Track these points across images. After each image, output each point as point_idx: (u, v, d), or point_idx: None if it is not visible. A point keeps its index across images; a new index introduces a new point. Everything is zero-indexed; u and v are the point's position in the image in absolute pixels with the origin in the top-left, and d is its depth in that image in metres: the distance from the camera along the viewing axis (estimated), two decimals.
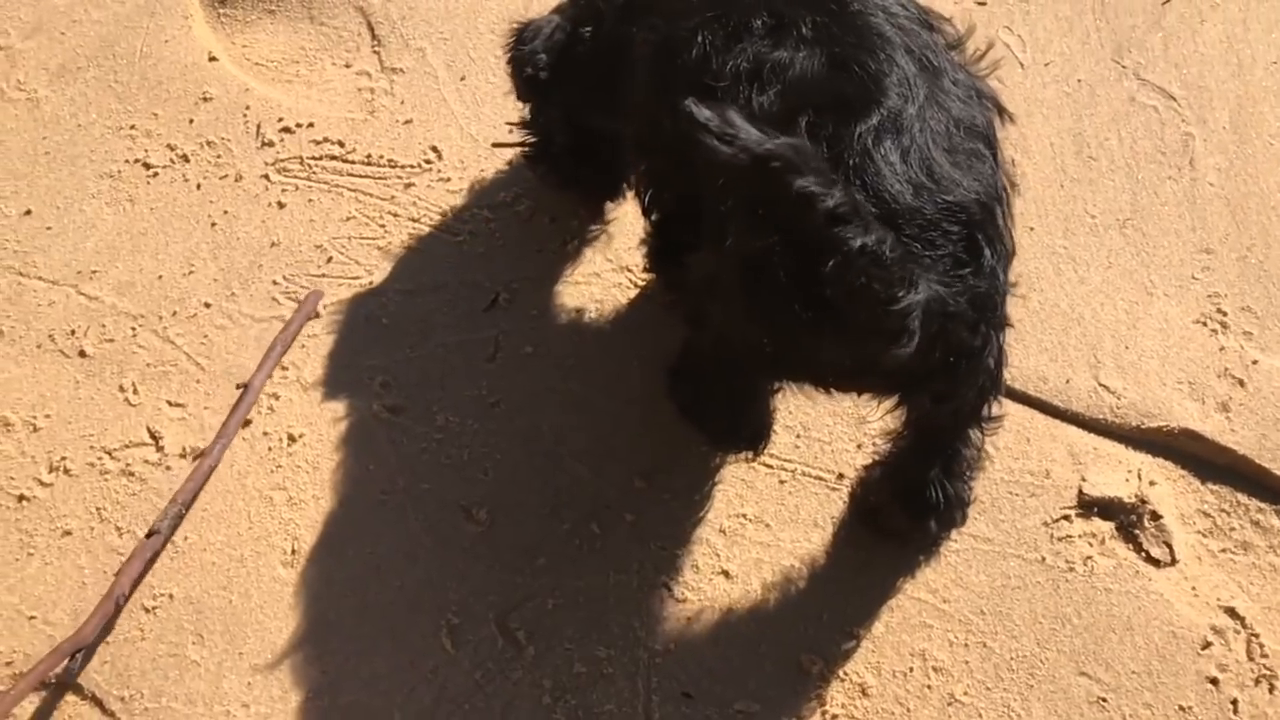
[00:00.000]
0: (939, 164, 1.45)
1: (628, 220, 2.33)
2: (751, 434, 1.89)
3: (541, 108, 2.18)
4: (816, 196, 1.30)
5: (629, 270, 2.29)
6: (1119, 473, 2.07)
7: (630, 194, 2.29)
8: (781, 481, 2.07)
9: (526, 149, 2.29)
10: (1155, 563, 1.99)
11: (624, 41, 1.83)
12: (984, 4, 2.65)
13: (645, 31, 1.73)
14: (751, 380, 1.82)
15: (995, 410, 1.78)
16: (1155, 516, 2.01)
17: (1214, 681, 1.89)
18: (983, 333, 1.56)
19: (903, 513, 1.88)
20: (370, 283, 2.27)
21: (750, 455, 1.97)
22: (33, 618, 1.96)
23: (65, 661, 1.84)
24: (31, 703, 1.90)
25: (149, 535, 1.94)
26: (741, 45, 1.56)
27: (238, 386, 2.13)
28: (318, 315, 2.22)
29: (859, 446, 2.09)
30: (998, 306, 1.58)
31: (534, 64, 2.07)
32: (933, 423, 1.75)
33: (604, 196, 2.27)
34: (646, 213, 1.96)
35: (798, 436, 2.10)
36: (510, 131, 2.38)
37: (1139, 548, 2.00)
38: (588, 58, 1.98)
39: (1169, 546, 1.99)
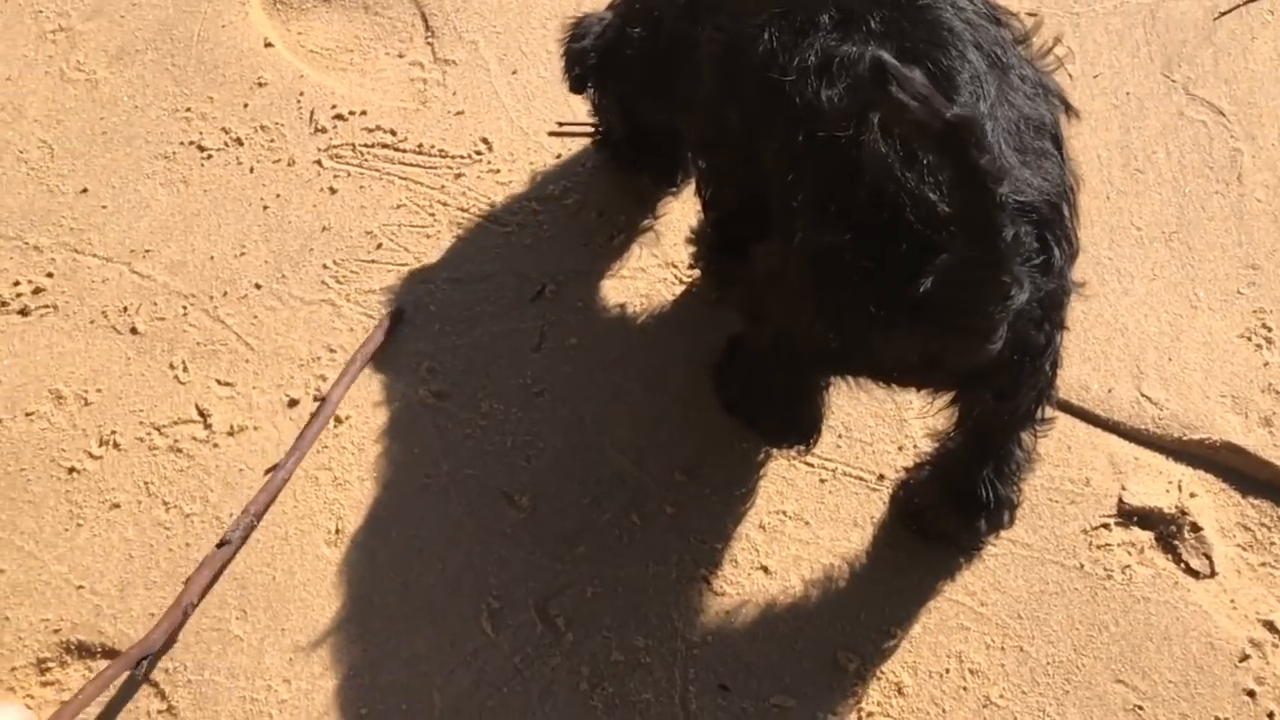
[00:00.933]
0: (1010, 163, 1.46)
1: (674, 217, 2.35)
2: (803, 429, 1.90)
3: (599, 100, 2.22)
4: (990, 177, 1.28)
5: (674, 266, 2.30)
6: (1159, 483, 2.07)
7: (682, 189, 2.32)
8: (822, 480, 2.08)
9: (592, 134, 2.35)
10: (1194, 574, 1.99)
11: (683, 41, 1.83)
12: (1035, 15, 2.65)
13: (711, 31, 1.73)
14: (807, 376, 1.83)
15: (1047, 413, 1.78)
16: (1195, 528, 2.02)
17: (1251, 694, 1.89)
18: (1047, 332, 1.57)
19: (952, 513, 1.89)
20: (418, 270, 2.30)
21: (801, 451, 1.98)
22: (80, 587, 1.99)
23: (131, 669, 1.86)
24: (79, 671, 1.93)
25: (220, 545, 1.96)
26: (809, 40, 1.55)
27: (315, 399, 2.15)
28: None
29: (900, 449, 2.10)
30: (1062, 306, 1.58)
31: (583, 62, 2.10)
32: (986, 423, 1.76)
33: (662, 184, 2.30)
34: (706, 210, 1.97)
35: (839, 436, 2.11)
36: (560, 125, 2.41)
37: (1178, 558, 2.00)
38: (640, 57, 1.99)
39: (1208, 558, 2.00)
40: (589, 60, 2.09)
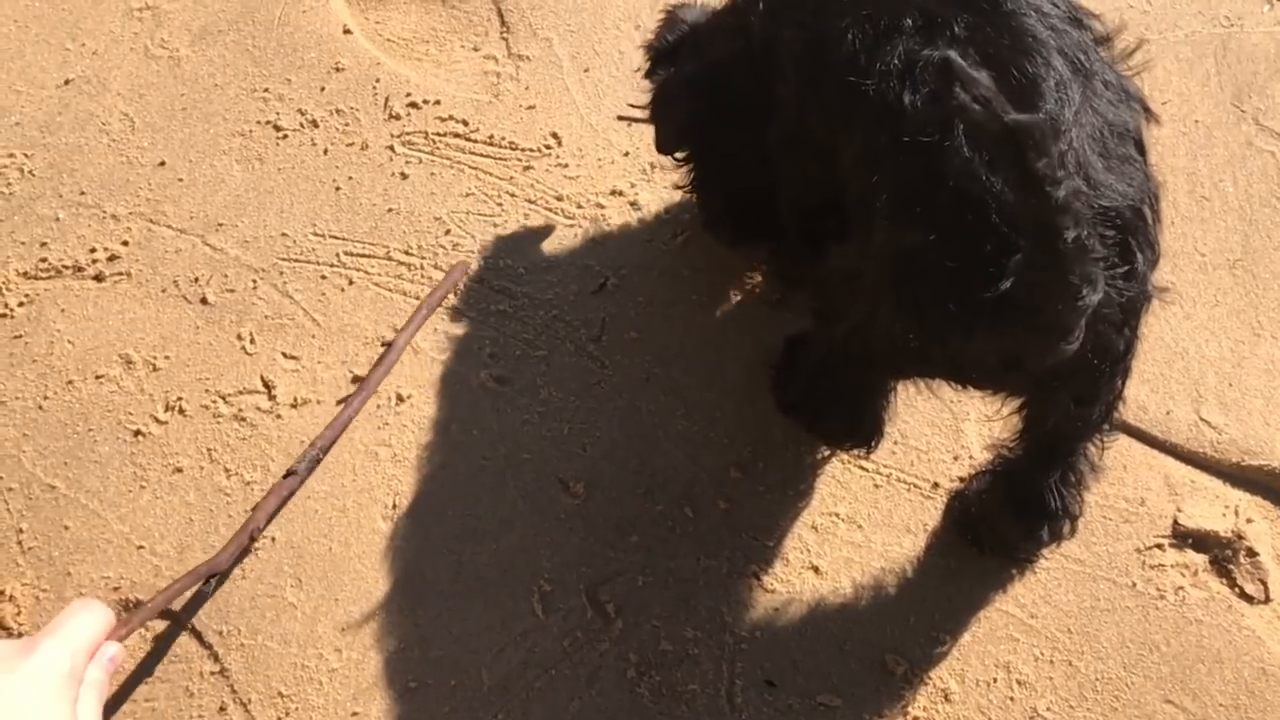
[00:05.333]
0: (1095, 168, 1.46)
1: None
2: (866, 431, 1.90)
3: (692, 162, 2.19)
4: (1047, 180, 1.29)
5: (735, 267, 2.32)
6: (1215, 507, 2.06)
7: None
8: (876, 485, 2.08)
9: (701, 216, 2.31)
10: (1249, 599, 1.98)
11: (772, 43, 1.83)
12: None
13: (793, 29, 1.75)
14: (878, 376, 1.84)
15: (1114, 421, 1.78)
16: (1251, 553, 2.01)
17: None
18: (1126, 338, 1.58)
19: (1014, 521, 1.88)
20: (485, 257, 2.33)
21: (863, 452, 1.98)
22: (140, 548, 2.03)
23: (199, 584, 1.91)
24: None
25: (287, 475, 2.01)
26: (892, 43, 1.55)
27: (383, 344, 2.20)
28: (458, 287, 2.30)
29: (955, 458, 2.11)
30: (1141, 313, 1.59)
31: (677, 104, 2.07)
32: (1055, 430, 1.76)
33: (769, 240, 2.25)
34: (783, 213, 1.99)
35: (894, 443, 2.12)
36: (630, 107, 2.44)
37: (1232, 583, 1.99)
38: (737, 109, 1.98)
39: (1264, 584, 1.98)
40: (680, 105, 2.06)
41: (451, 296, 2.28)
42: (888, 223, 1.53)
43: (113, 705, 1.88)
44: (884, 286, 1.56)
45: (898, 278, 1.53)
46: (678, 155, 2.20)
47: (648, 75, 2.16)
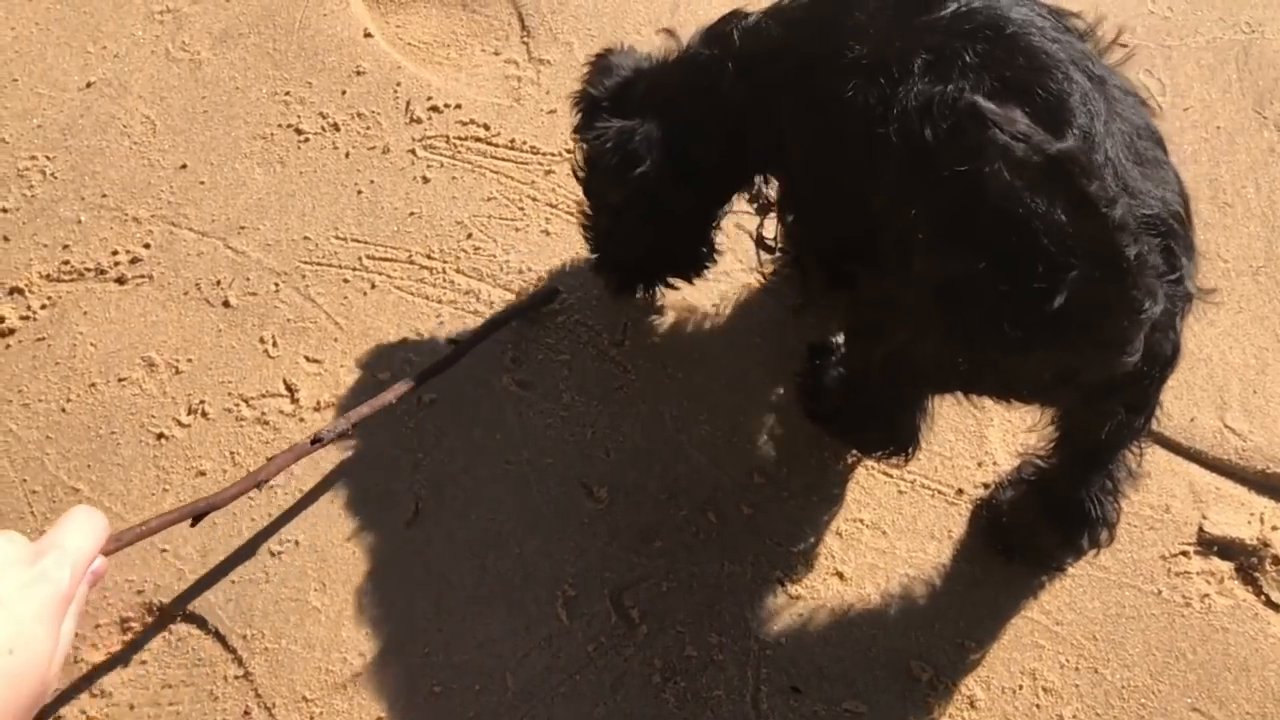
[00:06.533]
0: (1133, 177, 1.46)
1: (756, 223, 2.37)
2: (903, 440, 1.89)
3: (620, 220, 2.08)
4: (1102, 201, 1.30)
5: (758, 271, 2.32)
6: (1241, 514, 2.06)
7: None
8: (900, 492, 2.08)
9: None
10: (1275, 607, 1.97)
11: (750, 116, 1.84)
12: (1125, 46, 2.66)
13: (783, 95, 1.74)
14: (920, 393, 1.83)
15: (1152, 426, 1.77)
16: (1277, 560, 2.00)
17: None
18: (1173, 341, 1.58)
19: (1052, 530, 1.87)
20: (506, 261, 2.33)
21: (901, 461, 1.98)
22: (164, 550, 2.03)
23: (191, 518, 1.89)
24: (158, 632, 1.96)
25: (313, 441, 1.97)
26: (906, 86, 1.55)
27: (449, 341, 2.21)
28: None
29: (979, 464, 2.10)
30: (1185, 316, 1.59)
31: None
32: (1095, 438, 1.75)
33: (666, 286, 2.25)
34: (803, 256, 1.99)
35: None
36: None
37: (1258, 591, 1.98)
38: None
39: None
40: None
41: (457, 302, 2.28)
42: (930, 254, 1.53)
43: (137, 708, 1.88)
44: (929, 313, 1.55)
45: (944, 304, 1.52)
46: (599, 209, 2.09)
47: (582, 130, 2.02)
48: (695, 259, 2.17)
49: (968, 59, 1.53)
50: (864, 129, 1.60)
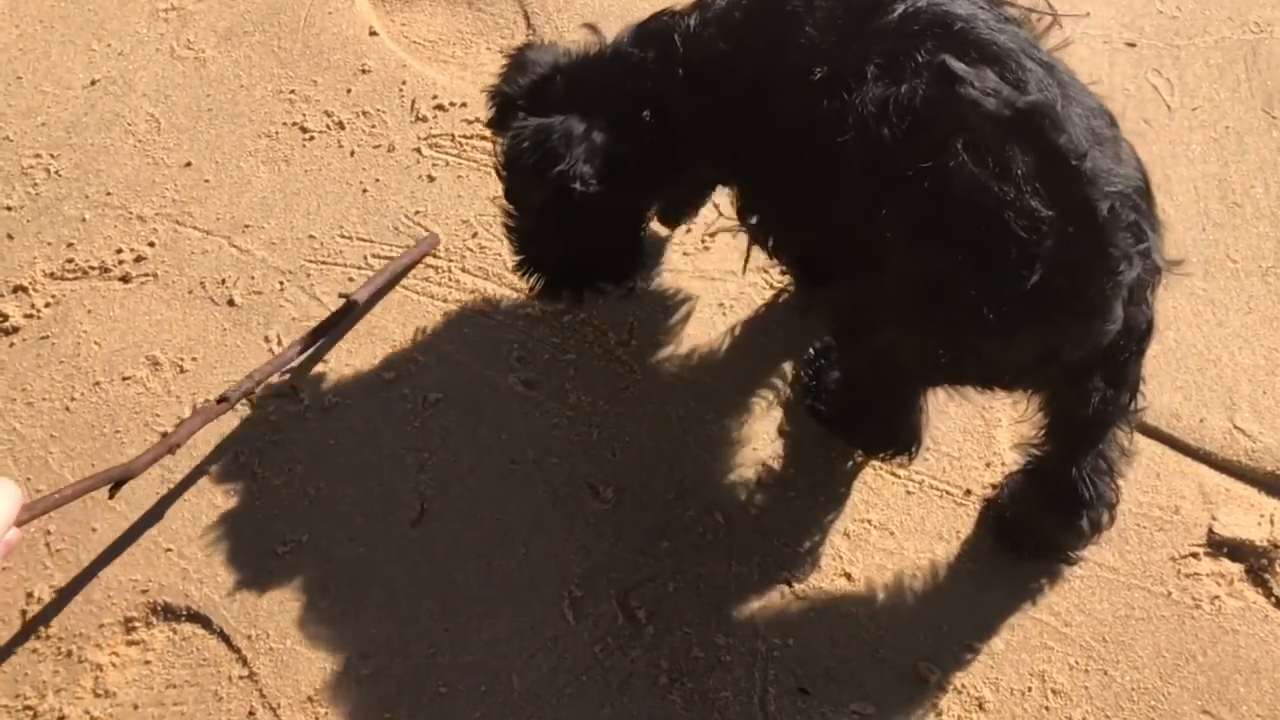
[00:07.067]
0: (1097, 158, 1.47)
1: None
2: (904, 440, 1.90)
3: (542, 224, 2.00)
4: (1073, 154, 1.32)
5: (765, 271, 2.31)
6: (1251, 516, 2.04)
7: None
8: (909, 492, 2.07)
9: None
10: None
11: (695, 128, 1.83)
12: (1134, 45, 2.66)
13: (754, 115, 1.74)
14: (908, 389, 1.83)
15: (1139, 404, 1.76)
16: None
17: None
18: (1146, 314, 1.59)
19: (1052, 516, 1.87)
20: (512, 261, 2.31)
21: (905, 461, 1.97)
22: (169, 550, 2.02)
23: (107, 486, 1.90)
24: (162, 631, 1.95)
25: (219, 400, 2.00)
26: (861, 92, 1.57)
27: (341, 295, 2.20)
28: (432, 256, 2.31)
29: (988, 465, 2.09)
30: (1155, 287, 1.59)
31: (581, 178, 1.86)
32: (1083, 420, 1.74)
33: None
34: (777, 261, 1.98)
35: (926, 450, 2.10)
36: None
37: (1269, 592, 1.97)
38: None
39: None
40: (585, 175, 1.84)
41: (460, 299, 2.27)
42: (905, 252, 1.55)
43: (141, 708, 1.87)
44: (909, 310, 1.57)
45: (922, 300, 1.54)
46: (520, 209, 2.02)
47: (496, 124, 1.98)
48: (624, 263, 2.10)
49: (920, 59, 1.55)
50: (824, 140, 1.61)
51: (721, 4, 1.78)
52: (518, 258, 2.08)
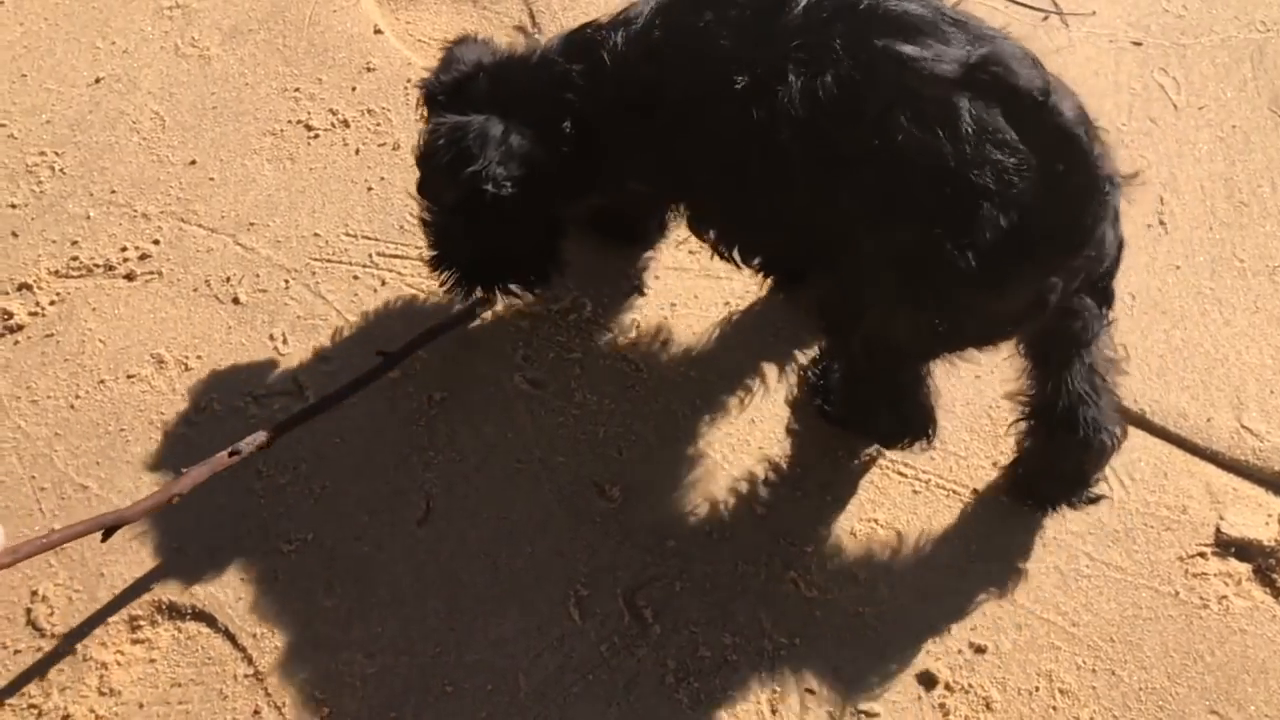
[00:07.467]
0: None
1: None
2: (919, 424, 1.90)
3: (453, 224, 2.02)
4: (1038, 90, 1.35)
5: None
6: (1259, 515, 2.04)
7: None
8: (915, 491, 2.07)
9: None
10: None
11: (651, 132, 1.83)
12: (1140, 44, 2.65)
13: (689, 136, 1.76)
14: (908, 368, 1.84)
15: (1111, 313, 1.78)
16: None
17: None
18: (1119, 233, 1.64)
19: (1066, 439, 1.87)
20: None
21: (925, 444, 1.97)
22: (177, 548, 2.01)
23: (100, 531, 1.84)
24: (167, 630, 1.94)
25: (230, 453, 1.92)
26: (785, 93, 1.59)
27: (378, 354, 2.10)
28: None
29: (994, 464, 2.09)
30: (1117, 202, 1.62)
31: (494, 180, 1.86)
32: (1067, 346, 1.78)
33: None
34: (746, 266, 1.99)
35: (933, 448, 2.10)
36: None
37: (1276, 592, 1.97)
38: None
39: None
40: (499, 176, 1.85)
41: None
42: (871, 235, 1.58)
43: (146, 706, 1.87)
44: (891, 291, 1.59)
45: (905, 277, 1.56)
46: (434, 210, 2.01)
47: (429, 116, 1.97)
48: (537, 269, 2.08)
49: (837, 47, 1.56)
50: (763, 146, 1.63)
51: (642, 21, 1.78)
52: (431, 252, 2.08)
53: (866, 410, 1.95)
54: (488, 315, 2.23)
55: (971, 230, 1.47)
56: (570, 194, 1.98)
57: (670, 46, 1.75)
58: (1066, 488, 1.98)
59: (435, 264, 2.08)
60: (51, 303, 2.27)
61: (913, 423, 1.90)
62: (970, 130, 1.47)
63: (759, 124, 1.62)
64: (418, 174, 1.97)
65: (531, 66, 1.90)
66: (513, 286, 2.11)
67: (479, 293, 2.11)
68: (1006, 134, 1.47)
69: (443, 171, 1.85)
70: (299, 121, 2.51)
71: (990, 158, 1.47)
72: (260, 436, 1.96)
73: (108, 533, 1.85)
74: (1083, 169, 1.42)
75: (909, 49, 1.43)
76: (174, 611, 1.96)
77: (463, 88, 1.92)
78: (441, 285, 2.10)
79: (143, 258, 2.33)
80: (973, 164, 1.47)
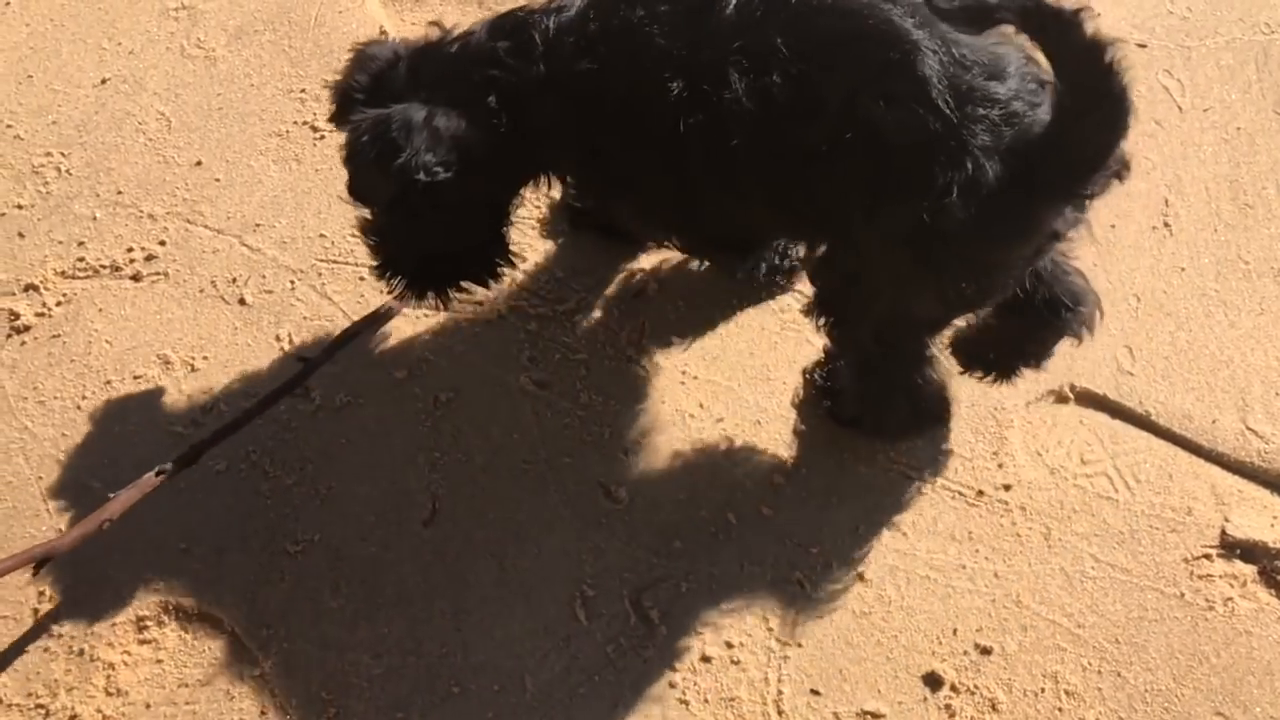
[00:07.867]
0: (985, 55, 1.53)
1: None
2: (936, 408, 1.91)
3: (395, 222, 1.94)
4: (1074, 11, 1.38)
5: (775, 273, 2.31)
6: (1264, 517, 2.04)
7: None
8: (921, 493, 2.07)
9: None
10: None
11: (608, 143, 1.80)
12: (1145, 46, 2.65)
13: (629, 135, 1.74)
14: (920, 352, 1.85)
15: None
16: None
17: None
18: None
19: (1051, 317, 1.88)
20: (525, 260, 2.31)
21: (944, 429, 1.97)
22: (183, 549, 2.02)
23: (32, 564, 1.82)
24: (174, 630, 1.95)
25: (158, 473, 1.90)
26: (731, 96, 1.58)
27: (299, 359, 2.10)
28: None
29: (1000, 465, 2.09)
30: None
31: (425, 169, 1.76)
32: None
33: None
34: (695, 254, 2.02)
35: (938, 450, 2.10)
36: None
37: None
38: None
39: None
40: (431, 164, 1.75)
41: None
42: (868, 221, 1.58)
43: (153, 707, 1.87)
44: (906, 269, 1.62)
45: (919, 254, 1.58)
46: (371, 213, 1.95)
47: (337, 120, 1.89)
48: (487, 261, 2.00)
49: (778, 41, 1.56)
50: (710, 148, 1.63)
51: (575, 11, 1.74)
52: (374, 260, 1.98)
53: (881, 403, 1.95)
54: (407, 312, 2.21)
55: (979, 189, 1.49)
56: (508, 177, 1.91)
57: (607, 42, 1.70)
58: (1030, 358, 2.00)
59: (381, 272, 1.98)
60: (58, 303, 2.27)
61: (928, 411, 1.90)
62: (947, 97, 1.48)
63: (700, 128, 1.62)
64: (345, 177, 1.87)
65: (450, 48, 1.83)
66: (465, 285, 2.02)
67: (430, 297, 2.01)
68: (986, 89, 1.49)
69: (370, 168, 1.76)
70: (304, 122, 2.51)
71: (976, 115, 1.49)
72: (190, 453, 1.95)
73: (39, 565, 1.83)
74: (1113, 80, 1.41)
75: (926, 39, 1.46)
76: (181, 612, 1.97)
77: (381, 82, 1.84)
78: (390, 293, 2.02)
79: (149, 259, 2.33)
80: (961, 126, 1.48)
